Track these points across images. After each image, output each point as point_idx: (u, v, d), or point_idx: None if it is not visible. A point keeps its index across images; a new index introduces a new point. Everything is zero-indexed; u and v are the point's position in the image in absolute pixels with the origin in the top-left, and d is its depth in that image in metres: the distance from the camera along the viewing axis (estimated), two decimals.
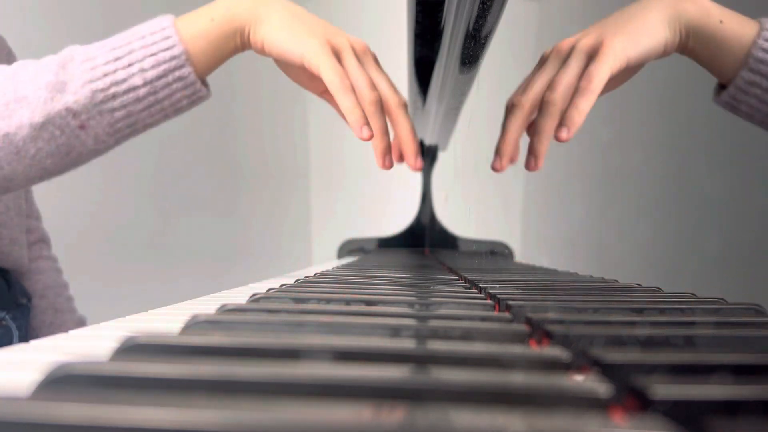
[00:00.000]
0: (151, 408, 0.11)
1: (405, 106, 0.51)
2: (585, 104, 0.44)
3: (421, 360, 0.17)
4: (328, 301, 0.30)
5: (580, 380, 0.14)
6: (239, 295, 0.43)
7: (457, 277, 0.49)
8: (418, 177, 1.40)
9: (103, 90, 0.46)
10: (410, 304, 0.29)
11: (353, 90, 0.48)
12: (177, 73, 0.48)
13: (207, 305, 0.36)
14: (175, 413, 0.11)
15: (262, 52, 0.50)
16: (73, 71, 0.46)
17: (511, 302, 0.28)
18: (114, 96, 0.47)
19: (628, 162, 1.38)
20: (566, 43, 0.49)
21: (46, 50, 0.49)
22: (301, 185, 1.85)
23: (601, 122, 1.48)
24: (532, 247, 1.63)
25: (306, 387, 0.13)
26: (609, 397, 0.13)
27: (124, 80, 0.47)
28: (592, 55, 0.46)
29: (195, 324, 0.22)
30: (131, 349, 0.17)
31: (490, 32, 0.59)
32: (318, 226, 1.82)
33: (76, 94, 0.46)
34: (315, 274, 0.54)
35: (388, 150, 0.50)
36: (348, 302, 0.30)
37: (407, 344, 0.18)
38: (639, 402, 0.13)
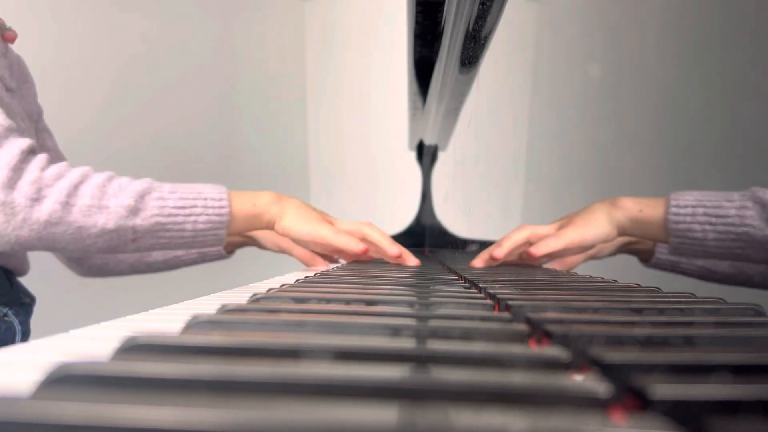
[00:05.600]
0: (152, 408, 0.11)
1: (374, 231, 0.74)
2: (546, 245, 0.67)
3: (420, 360, 0.17)
4: (328, 301, 0.30)
5: (580, 380, 0.14)
6: (239, 295, 0.43)
7: (456, 277, 0.49)
8: (418, 177, 1.40)
9: (163, 224, 0.61)
10: (410, 304, 0.29)
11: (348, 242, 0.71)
12: (216, 232, 0.65)
13: (207, 305, 0.36)
14: (175, 413, 0.11)
15: (284, 233, 0.70)
16: (147, 203, 0.61)
17: (510, 302, 0.28)
18: (168, 230, 0.62)
19: (628, 162, 1.38)
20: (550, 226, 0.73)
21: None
22: (301, 185, 1.85)
23: (601, 123, 1.48)
24: None
25: (306, 387, 0.13)
26: (608, 396, 0.13)
27: (180, 223, 0.62)
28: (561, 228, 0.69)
29: (196, 324, 0.22)
30: (132, 349, 0.17)
31: (490, 33, 0.59)
32: None
33: (144, 220, 0.60)
34: (315, 274, 0.54)
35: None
36: (348, 302, 0.30)
37: (407, 344, 0.18)
38: (638, 402, 0.13)
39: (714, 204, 0.61)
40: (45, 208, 0.56)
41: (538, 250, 0.65)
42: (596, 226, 0.66)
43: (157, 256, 0.85)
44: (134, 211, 0.60)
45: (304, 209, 0.70)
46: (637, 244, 0.85)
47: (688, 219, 0.62)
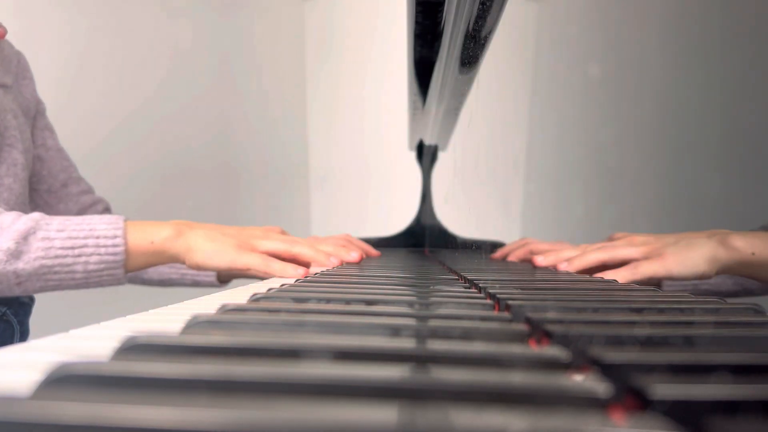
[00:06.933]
0: (152, 408, 0.11)
1: (315, 238, 0.70)
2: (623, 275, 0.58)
3: (420, 360, 0.17)
4: (328, 300, 0.30)
5: (580, 380, 0.14)
6: (239, 295, 0.43)
7: (456, 277, 0.49)
8: (418, 177, 1.40)
9: (49, 266, 0.56)
10: (410, 304, 0.29)
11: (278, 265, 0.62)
12: (111, 272, 0.60)
13: (207, 305, 0.36)
14: (175, 413, 0.11)
15: (198, 269, 0.63)
16: (31, 244, 0.56)
17: (510, 302, 0.28)
18: (56, 272, 0.57)
19: (628, 162, 1.38)
20: (638, 239, 0.64)
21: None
22: (301, 185, 1.85)
23: (601, 123, 1.48)
24: None
25: (306, 387, 0.13)
26: (608, 396, 0.13)
27: (69, 265, 0.57)
28: (648, 257, 0.60)
29: (196, 324, 0.22)
30: (132, 349, 0.17)
31: (490, 32, 0.59)
32: (318, 226, 1.83)
33: (27, 264, 0.55)
34: (315, 274, 0.54)
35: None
36: (348, 302, 0.30)
37: (407, 344, 0.18)
38: (638, 401, 0.13)
39: None
40: None
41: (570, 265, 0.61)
42: (690, 264, 0.58)
43: (152, 275, 0.83)
44: (16, 254, 0.55)
45: (215, 240, 0.62)
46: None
47: None
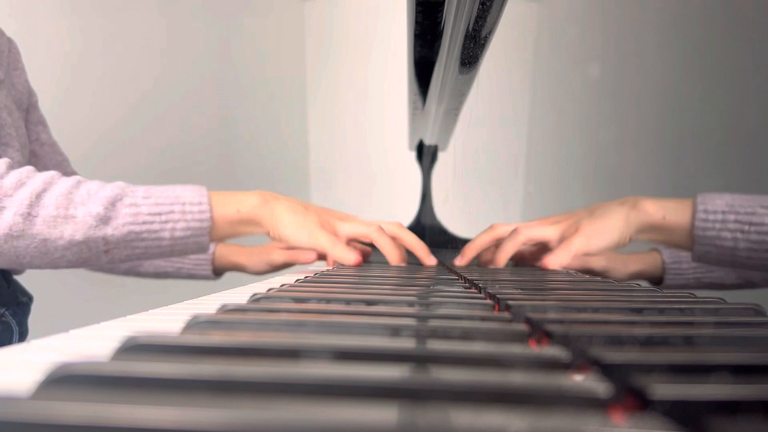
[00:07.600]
0: (152, 408, 0.11)
1: (400, 226, 0.70)
2: (555, 259, 0.62)
3: (420, 360, 0.17)
4: (328, 300, 0.30)
5: (580, 380, 0.14)
6: (239, 295, 0.43)
7: (456, 277, 0.49)
8: (418, 177, 1.40)
9: (137, 233, 0.56)
10: (410, 304, 0.29)
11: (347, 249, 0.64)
12: (197, 239, 0.59)
13: (207, 305, 0.36)
14: (175, 413, 0.11)
15: (280, 240, 0.64)
16: (119, 210, 0.56)
17: (510, 302, 0.28)
18: (143, 239, 0.57)
19: (627, 162, 1.38)
20: (552, 219, 0.67)
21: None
22: (301, 185, 1.85)
23: (601, 123, 1.48)
24: None
25: (306, 387, 0.13)
26: (608, 396, 0.13)
27: (156, 231, 0.57)
28: (567, 235, 0.63)
29: (196, 324, 0.22)
30: (132, 349, 0.17)
31: (490, 33, 0.59)
32: None
33: (115, 230, 0.55)
34: (315, 274, 0.54)
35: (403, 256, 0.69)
36: (348, 302, 0.30)
37: (407, 344, 0.18)
38: (638, 401, 0.13)
39: (747, 210, 0.55)
40: (4, 221, 0.51)
41: (550, 265, 0.62)
42: (606, 234, 0.59)
43: (148, 268, 0.83)
44: (104, 219, 0.54)
45: (299, 213, 0.63)
46: (646, 272, 0.81)
47: (717, 226, 0.56)
